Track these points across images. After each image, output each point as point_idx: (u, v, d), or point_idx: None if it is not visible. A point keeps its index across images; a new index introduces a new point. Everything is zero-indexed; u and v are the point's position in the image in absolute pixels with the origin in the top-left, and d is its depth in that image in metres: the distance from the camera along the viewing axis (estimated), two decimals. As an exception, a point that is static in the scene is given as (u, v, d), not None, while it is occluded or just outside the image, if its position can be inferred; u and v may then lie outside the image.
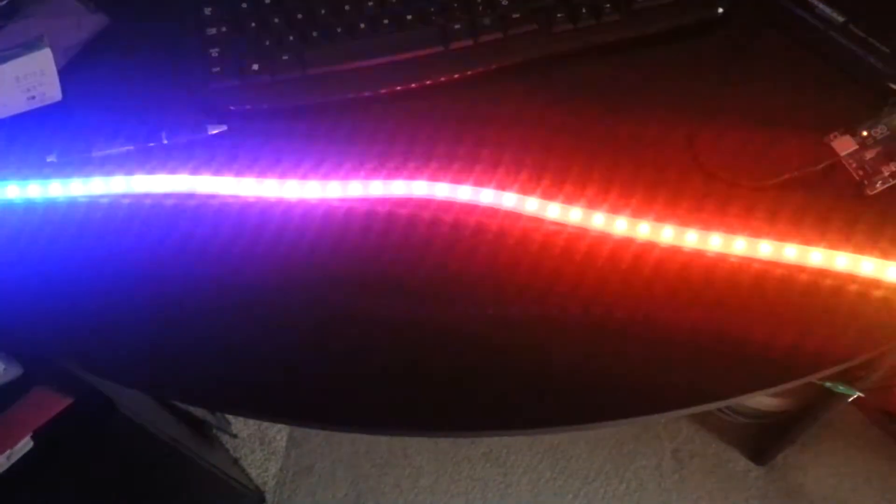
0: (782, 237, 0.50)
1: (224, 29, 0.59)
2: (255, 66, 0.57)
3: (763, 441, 1.10)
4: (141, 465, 0.76)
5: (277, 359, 0.49)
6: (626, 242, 0.51)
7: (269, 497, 1.11)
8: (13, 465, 0.63)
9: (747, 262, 0.50)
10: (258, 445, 1.07)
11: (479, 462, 1.14)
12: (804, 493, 1.10)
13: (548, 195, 0.52)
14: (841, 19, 0.56)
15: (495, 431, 0.50)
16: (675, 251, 0.50)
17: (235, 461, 1.00)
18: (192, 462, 0.80)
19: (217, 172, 0.55)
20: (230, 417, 1.02)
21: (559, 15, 0.57)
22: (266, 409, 0.51)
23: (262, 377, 0.49)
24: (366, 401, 0.48)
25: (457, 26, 0.58)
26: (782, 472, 1.11)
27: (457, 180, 0.53)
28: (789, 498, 1.10)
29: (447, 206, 0.53)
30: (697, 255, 0.50)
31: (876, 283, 0.49)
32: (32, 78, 0.56)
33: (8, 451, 0.63)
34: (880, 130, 0.53)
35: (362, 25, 0.58)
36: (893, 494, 1.09)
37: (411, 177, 0.54)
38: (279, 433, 1.13)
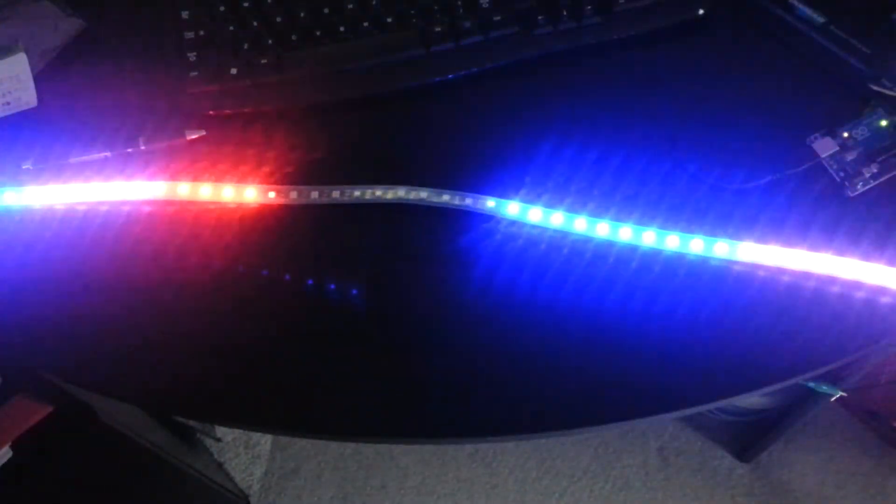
0: (764, 239, 0.50)
1: (202, 33, 0.58)
2: (234, 71, 0.57)
3: (748, 439, 1.11)
4: (123, 473, 0.76)
5: (261, 367, 0.49)
6: (607, 246, 0.51)
7: (253, 501, 1.10)
8: (-7, 475, 0.62)
9: (728, 264, 0.50)
10: (242, 449, 1.06)
11: (466, 462, 1.14)
12: (789, 489, 1.11)
13: (529, 199, 0.53)
14: (821, 20, 0.57)
15: (485, 438, 0.50)
16: (655, 254, 0.51)
17: (220, 465, 1.00)
18: (175, 468, 0.79)
19: (196, 178, 0.54)
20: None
21: (540, 18, 0.57)
22: (250, 420, 0.50)
23: (246, 386, 0.49)
24: (352, 409, 0.48)
25: (437, 29, 0.57)
26: (767, 470, 1.12)
27: (439, 185, 0.53)
28: (774, 495, 1.10)
29: (427, 210, 0.53)
30: (677, 258, 0.50)
31: (858, 285, 0.49)
32: (7, 83, 0.55)
33: (-13, 461, 0.62)
34: (861, 132, 0.54)
35: (342, 28, 0.57)
36: (877, 490, 1.10)
37: (394, 182, 0.53)
38: (264, 436, 1.12)
